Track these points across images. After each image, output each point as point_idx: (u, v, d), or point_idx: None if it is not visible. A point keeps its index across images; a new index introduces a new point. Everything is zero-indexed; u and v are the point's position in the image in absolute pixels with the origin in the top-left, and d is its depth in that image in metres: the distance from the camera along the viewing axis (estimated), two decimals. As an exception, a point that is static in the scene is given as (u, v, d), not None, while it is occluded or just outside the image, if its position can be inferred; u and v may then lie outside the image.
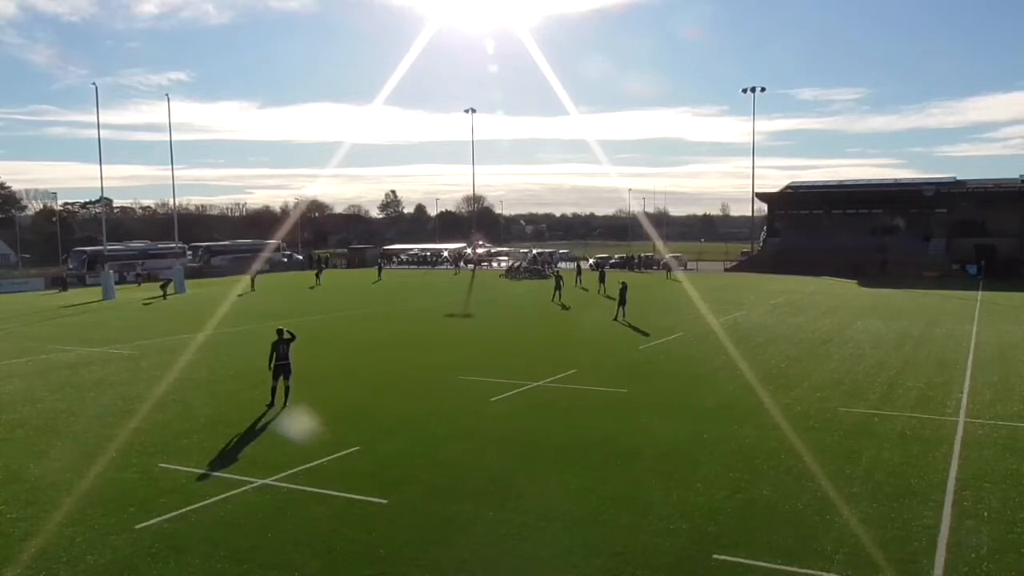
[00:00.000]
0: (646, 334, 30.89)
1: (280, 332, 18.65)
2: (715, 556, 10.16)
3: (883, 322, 34.39)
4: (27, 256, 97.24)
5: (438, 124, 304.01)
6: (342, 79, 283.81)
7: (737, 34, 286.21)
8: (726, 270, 79.75)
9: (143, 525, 11.36)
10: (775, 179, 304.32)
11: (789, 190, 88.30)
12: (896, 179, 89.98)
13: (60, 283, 63.54)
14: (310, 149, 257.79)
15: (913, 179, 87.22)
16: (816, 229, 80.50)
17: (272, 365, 18.51)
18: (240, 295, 51.10)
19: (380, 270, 71.27)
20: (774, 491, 12.63)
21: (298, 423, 17.24)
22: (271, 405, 18.49)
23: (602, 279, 52.11)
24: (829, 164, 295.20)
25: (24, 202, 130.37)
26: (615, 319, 34.89)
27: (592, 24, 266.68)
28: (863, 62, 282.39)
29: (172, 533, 11.12)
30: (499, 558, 10.36)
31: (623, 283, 36.94)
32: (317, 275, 63.83)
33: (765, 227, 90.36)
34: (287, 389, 18.73)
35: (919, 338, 29.57)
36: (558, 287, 46.18)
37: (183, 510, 11.92)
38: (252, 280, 57.99)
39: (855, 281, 59.63)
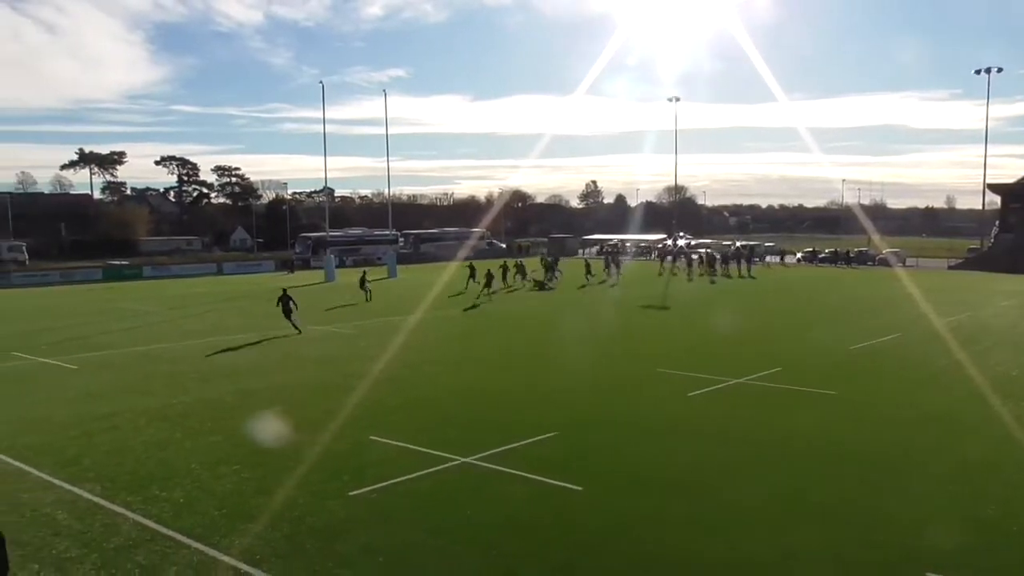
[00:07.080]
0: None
1: (284, 291, 30.01)
2: (928, 574, 9.49)
3: None
4: (260, 241, 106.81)
5: (640, 113, 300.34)
6: (546, 71, 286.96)
7: (970, 9, 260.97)
8: (950, 268, 73.39)
9: (355, 493, 12.26)
10: (1011, 169, 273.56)
11: (1028, 181, 79.74)
12: None
13: (288, 266, 70.77)
14: (514, 141, 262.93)
15: None
16: (1059, 224, 72.17)
17: (283, 310, 29.23)
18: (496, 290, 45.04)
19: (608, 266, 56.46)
20: (999, 509, 11.59)
21: (493, 407, 17.87)
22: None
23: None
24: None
25: (259, 192, 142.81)
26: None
27: (801, 4, 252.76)
28: None
29: (380, 502, 11.92)
30: (688, 553, 10.25)
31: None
32: (607, 266, 55.43)
33: (997, 221, 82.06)
34: (293, 324, 29.13)
35: None
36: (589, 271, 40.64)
37: (391, 481, 12.73)
38: (520, 269, 47.55)
39: (1107, 283, 52.94)
